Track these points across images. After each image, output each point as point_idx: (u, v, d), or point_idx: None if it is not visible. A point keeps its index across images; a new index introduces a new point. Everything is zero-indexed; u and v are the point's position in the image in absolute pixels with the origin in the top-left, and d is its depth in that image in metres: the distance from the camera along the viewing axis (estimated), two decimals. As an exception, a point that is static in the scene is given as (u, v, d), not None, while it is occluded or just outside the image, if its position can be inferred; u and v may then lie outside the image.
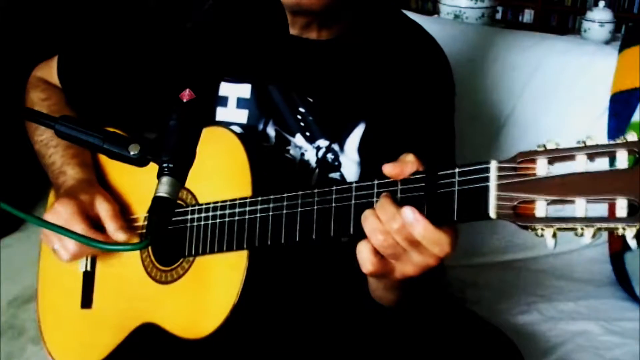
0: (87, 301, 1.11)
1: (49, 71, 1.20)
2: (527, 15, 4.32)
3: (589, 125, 1.62)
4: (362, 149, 1.05)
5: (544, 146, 0.65)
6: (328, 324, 1.03)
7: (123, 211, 1.07)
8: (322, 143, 1.05)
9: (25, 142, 1.18)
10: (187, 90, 0.74)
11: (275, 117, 1.06)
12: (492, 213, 0.67)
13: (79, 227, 0.99)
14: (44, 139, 1.14)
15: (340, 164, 1.05)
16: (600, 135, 1.58)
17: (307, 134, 1.05)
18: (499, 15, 3.41)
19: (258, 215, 0.87)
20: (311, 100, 1.05)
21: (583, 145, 0.63)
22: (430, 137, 1.04)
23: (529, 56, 1.70)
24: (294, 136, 1.06)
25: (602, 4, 1.96)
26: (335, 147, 1.05)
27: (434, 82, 1.08)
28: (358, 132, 1.05)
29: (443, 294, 1.44)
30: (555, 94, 1.67)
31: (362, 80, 1.05)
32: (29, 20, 2.34)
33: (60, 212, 1.00)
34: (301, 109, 1.05)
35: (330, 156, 1.05)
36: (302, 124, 1.05)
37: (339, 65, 1.05)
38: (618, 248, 1.50)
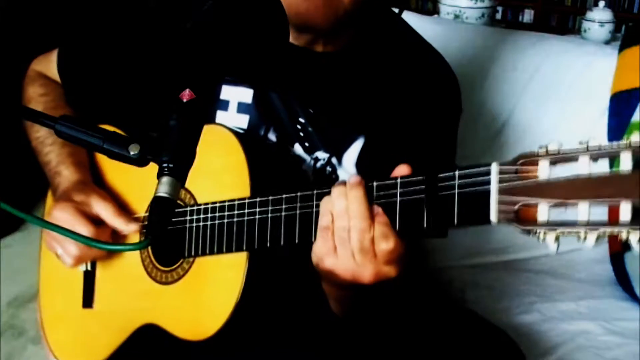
0: (88, 301, 1.11)
1: (48, 65, 1.18)
2: (527, 15, 4.32)
3: (589, 125, 1.62)
4: (360, 163, 1.04)
5: (546, 148, 0.64)
6: (329, 323, 1.03)
7: (122, 210, 1.06)
8: (321, 155, 1.04)
9: (25, 141, 1.17)
10: (187, 90, 0.74)
11: (276, 125, 1.05)
12: (494, 217, 0.66)
13: (84, 230, 0.98)
14: (40, 136, 1.13)
15: (337, 177, 1.04)
16: (600, 136, 1.59)
17: (307, 144, 1.05)
18: (499, 15, 3.41)
19: (257, 217, 0.87)
20: (312, 111, 1.04)
21: (586, 147, 0.61)
22: (430, 155, 1.03)
23: (529, 56, 1.70)
24: (292, 145, 1.05)
25: (602, 4, 1.96)
26: (334, 160, 1.04)
27: (439, 101, 1.07)
28: (357, 146, 1.04)
29: (443, 295, 1.45)
30: (555, 94, 1.67)
31: (364, 95, 1.04)
32: (28, 18, 2.34)
33: (59, 217, 0.99)
34: (301, 119, 1.04)
35: (328, 169, 1.05)
36: (301, 133, 1.05)
37: (342, 79, 1.05)
38: (618, 248, 1.50)
